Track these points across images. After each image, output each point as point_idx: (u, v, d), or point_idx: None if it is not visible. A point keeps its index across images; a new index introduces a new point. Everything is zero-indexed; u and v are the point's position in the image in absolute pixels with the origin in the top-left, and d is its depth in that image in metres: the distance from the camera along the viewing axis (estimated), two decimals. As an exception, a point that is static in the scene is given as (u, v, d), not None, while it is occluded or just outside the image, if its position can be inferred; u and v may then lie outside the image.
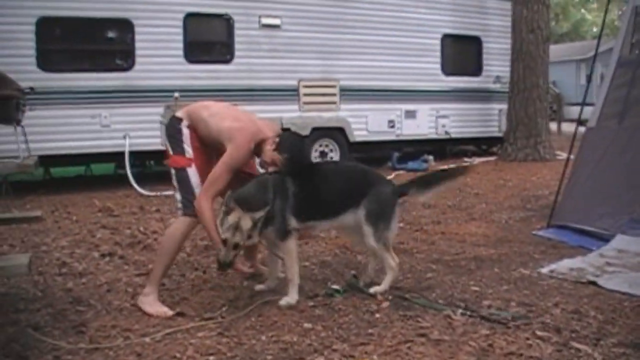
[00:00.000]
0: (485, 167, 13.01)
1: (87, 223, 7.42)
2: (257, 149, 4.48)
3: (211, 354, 3.49)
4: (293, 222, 4.35)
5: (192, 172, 4.42)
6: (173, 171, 4.50)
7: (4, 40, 9.52)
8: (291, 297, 4.33)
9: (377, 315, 4.07)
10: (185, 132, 4.47)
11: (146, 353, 3.54)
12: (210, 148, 4.50)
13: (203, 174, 4.39)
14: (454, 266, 5.31)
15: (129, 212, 8.14)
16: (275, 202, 4.25)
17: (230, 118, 4.49)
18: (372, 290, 4.51)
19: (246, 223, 4.07)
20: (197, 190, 4.37)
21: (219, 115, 4.50)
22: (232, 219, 4.07)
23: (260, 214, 4.10)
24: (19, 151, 4.32)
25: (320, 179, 4.48)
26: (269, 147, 4.43)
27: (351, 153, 12.79)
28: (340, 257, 5.66)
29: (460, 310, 4.08)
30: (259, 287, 4.68)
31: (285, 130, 4.62)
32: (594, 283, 4.70)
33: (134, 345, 3.65)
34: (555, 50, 24.60)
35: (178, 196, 4.48)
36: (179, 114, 4.60)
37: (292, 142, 4.56)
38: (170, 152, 4.52)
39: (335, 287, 4.56)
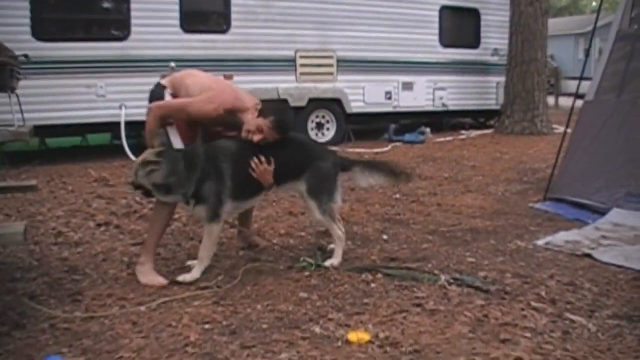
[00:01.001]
0: (482, 140, 13.03)
1: (83, 193, 7.41)
2: (236, 119, 4.42)
3: (207, 323, 3.50)
4: (228, 206, 4.33)
5: (172, 130, 4.39)
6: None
7: (-1, 9, 9.45)
8: (192, 275, 4.27)
9: (373, 286, 4.09)
10: (168, 97, 4.43)
11: (142, 322, 3.55)
12: (190, 122, 4.45)
13: (185, 134, 4.37)
14: (450, 237, 5.33)
15: (125, 183, 8.10)
16: (207, 181, 4.19)
17: (214, 84, 4.47)
18: (327, 263, 4.50)
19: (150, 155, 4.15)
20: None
21: (201, 82, 4.47)
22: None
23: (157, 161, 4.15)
24: (14, 120, 4.28)
25: (259, 153, 4.34)
26: (251, 116, 4.37)
27: (348, 124, 12.79)
28: (336, 228, 5.67)
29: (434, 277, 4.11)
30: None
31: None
32: (589, 256, 4.72)
33: (130, 314, 3.67)
34: (554, 24, 24.53)
35: None
36: (163, 81, 4.55)
37: (275, 107, 4.52)
38: None
39: (309, 260, 4.54)
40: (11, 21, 9.43)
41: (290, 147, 4.53)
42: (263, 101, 4.49)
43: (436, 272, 4.32)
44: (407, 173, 4.96)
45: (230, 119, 4.39)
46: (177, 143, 4.36)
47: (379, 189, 7.43)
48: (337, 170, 4.63)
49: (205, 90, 4.34)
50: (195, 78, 4.52)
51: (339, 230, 4.65)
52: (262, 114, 4.34)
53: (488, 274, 4.27)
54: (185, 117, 4.32)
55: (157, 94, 4.47)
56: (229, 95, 4.38)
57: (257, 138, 4.34)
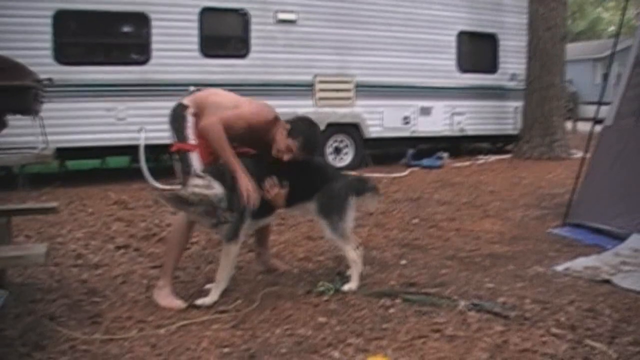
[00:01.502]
0: (500, 164, 12.99)
1: (102, 215, 7.46)
2: (266, 137, 4.43)
3: (225, 346, 3.51)
4: (247, 225, 4.36)
5: (195, 157, 4.36)
6: (176, 157, 4.47)
7: (22, 33, 9.57)
8: (210, 298, 4.28)
9: (392, 311, 4.08)
10: (190, 119, 4.41)
11: (161, 344, 3.56)
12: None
13: (207, 161, 4.34)
14: (469, 263, 5.31)
15: (144, 205, 8.17)
16: (233, 199, 4.17)
17: (240, 100, 4.51)
18: (345, 287, 4.50)
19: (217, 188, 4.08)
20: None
21: (228, 99, 4.52)
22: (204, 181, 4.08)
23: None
24: (38, 142, 4.34)
25: (274, 172, 4.38)
26: (280, 135, 4.38)
27: (366, 149, 12.80)
28: (354, 253, 5.67)
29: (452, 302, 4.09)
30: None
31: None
32: (608, 282, 4.68)
33: (149, 337, 3.68)
34: (572, 49, 24.47)
35: (182, 185, 4.44)
36: (185, 101, 4.53)
37: (304, 125, 4.50)
38: (175, 139, 4.46)
39: (327, 284, 4.52)
40: (34, 45, 9.56)
41: (304, 167, 4.56)
42: (290, 121, 4.49)
43: (455, 297, 4.31)
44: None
45: (255, 135, 4.41)
46: (198, 167, 4.36)
47: (396, 214, 7.44)
48: (349, 192, 4.63)
49: (234, 107, 4.37)
50: (219, 97, 4.55)
51: (353, 252, 4.65)
52: (291, 133, 4.36)
53: (507, 300, 4.25)
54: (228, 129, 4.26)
55: (178, 113, 4.48)
56: (256, 110, 4.40)
57: (286, 157, 4.36)
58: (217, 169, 4.21)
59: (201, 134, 4.31)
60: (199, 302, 4.24)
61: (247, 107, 4.42)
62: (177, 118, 4.47)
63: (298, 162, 4.47)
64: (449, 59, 13.79)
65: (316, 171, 4.68)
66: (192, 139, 4.39)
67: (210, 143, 4.27)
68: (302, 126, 4.47)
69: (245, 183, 4.18)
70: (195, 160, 4.37)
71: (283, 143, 4.36)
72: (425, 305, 4.13)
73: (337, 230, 4.55)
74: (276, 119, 4.47)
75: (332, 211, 4.55)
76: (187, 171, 4.37)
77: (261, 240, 5.08)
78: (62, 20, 10.09)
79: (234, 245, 4.33)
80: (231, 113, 4.29)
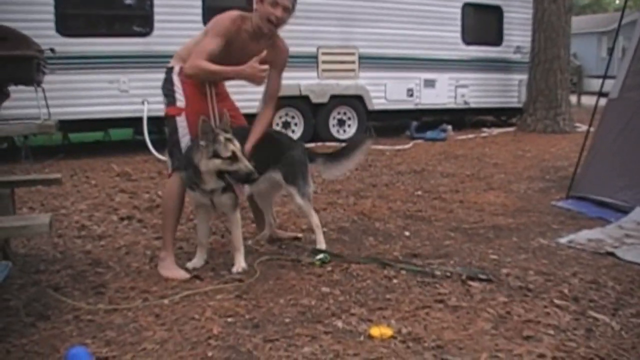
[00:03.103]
0: (504, 137, 12.97)
1: (105, 187, 7.47)
2: (248, 34, 4.39)
3: (229, 316, 3.51)
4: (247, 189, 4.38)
5: (180, 121, 4.33)
6: (165, 123, 4.48)
7: (24, 5, 9.50)
8: (239, 265, 4.33)
9: (395, 281, 4.08)
10: (176, 79, 4.39)
11: (164, 314, 3.57)
12: (206, 84, 4.40)
13: (195, 122, 4.15)
14: (472, 234, 5.31)
15: (147, 177, 8.19)
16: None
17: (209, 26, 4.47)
18: (317, 258, 4.51)
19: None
20: (184, 140, 4.31)
21: (200, 33, 4.52)
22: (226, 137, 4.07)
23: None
24: (40, 113, 4.33)
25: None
26: (257, 6, 4.34)
27: (369, 121, 12.78)
28: (358, 224, 5.67)
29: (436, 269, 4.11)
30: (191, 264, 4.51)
31: None
32: (612, 254, 4.68)
33: (153, 307, 3.68)
34: (577, 22, 24.33)
35: (167, 152, 4.47)
36: (170, 64, 4.53)
37: None
38: (165, 106, 4.47)
39: (319, 256, 4.54)
40: (36, 17, 9.49)
41: (265, 138, 4.56)
42: None
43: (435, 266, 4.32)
44: (367, 134, 5.04)
45: (237, 41, 4.35)
46: (183, 132, 4.34)
47: (400, 185, 7.44)
48: (307, 157, 4.78)
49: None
50: (192, 38, 4.56)
51: (315, 218, 4.80)
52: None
53: (510, 271, 4.25)
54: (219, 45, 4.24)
55: (165, 80, 4.49)
56: (215, 20, 4.39)
57: (280, 14, 4.30)
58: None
59: (189, 79, 4.29)
60: (234, 270, 4.29)
61: (210, 26, 4.38)
62: (165, 84, 4.49)
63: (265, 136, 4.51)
64: (454, 31, 13.72)
65: (276, 141, 4.74)
66: (180, 100, 4.37)
67: (204, 80, 4.31)
68: None
69: (245, 67, 4.17)
70: (181, 125, 4.34)
71: (264, 9, 4.30)
72: (427, 276, 4.14)
73: (305, 195, 4.69)
74: (243, 16, 4.42)
75: (297, 177, 4.66)
76: (172, 137, 4.38)
77: (265, 208, 5.08)
78: (65, -8, 10.03)
79: (238, 212, 4.39)
80: (201, 44, 4.23)
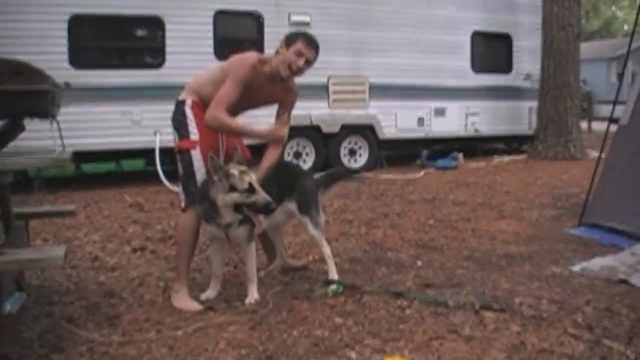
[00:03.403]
0: (515, 165, 12.96)
1: (118, 218, 7.51)
2: (265, 78, 4.42)
3: (242, 347, 3.52)
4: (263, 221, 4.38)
5: (196, 154, 4.34)
6: (178, 157, 4.47)
7: (38, 38, 9.61)
8: (252, 296, 4.35)
9: (408, 312, 4.08)
10: (189, 112, 4.40)
11: (178, 346, 3.58)
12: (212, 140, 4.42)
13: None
14: (485, 263, 5.30)
15: (159, 208, 8.22)
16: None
17: (225, 65, 4.47)
18: (329, 289, 4.52)
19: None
20: (199, 173, 4.32)
21: (214, 69, 4.56)
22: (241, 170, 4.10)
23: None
24: (55, 146, 4.36)
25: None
26: (280, 57, 4.36)
27: (380, 150, 12.80)
28: (370, 254, 5.67)
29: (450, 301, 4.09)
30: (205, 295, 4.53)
31: None
32: (625, 281, 4.66)
33: (166, 338, 3.69)
34: (586, 48, 24.37)
35: (180, 186, 4.47)
36: (180, 97, 4.54)
37: (294, 31, 4.59)
38: (177, 139, 4.48)
39: (332, 287, 4.54)
40: (49, 49, 9.59)
41: (279, 169, 4.61)
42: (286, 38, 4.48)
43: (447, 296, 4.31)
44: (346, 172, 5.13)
45: (255, 85, 4.38)
46: (198, 165, 4.36)
47: (412, 215, 7.44)
48: (316, 188, 4.85)
49: (221, 74, 4.39)
50: (204, 73, 4.61)
51: (327, 249, 4.80)
52: (287, 42, 4.37)
53: (523, 300, 4.24)
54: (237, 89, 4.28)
55: (176, 111, 4.50)
56: (237, 66, 4.35)
57: (301, 63, 4.35)
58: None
59: (209, 128, 4.33)
60: (247, 301, 4.31)
61: (229, 68, 4.36)
62: (176, 117, 4.50)
63: (277, 166, 4.56)
64: (463, 60, 13.75)
65: (289, 172, 4.80)
66: (193, 133, 4.38)
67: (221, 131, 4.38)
68: (294, 32, 4.54)
69: (266, 130, 4.37)
70: (197, 159, 4.35)
71: (288, 56, 4.34)
72: (441, 306, 4.13)
73: (318, 225, 4.71)
74: (261, 59, 4.45)
75: (311, 207, 4.68)
76: (187, 170, 4.39)
77: (275, 239, 5.09)
78: (78, 25, 10.15)
79: (253, 244, 4.44)
80: (222, 93, 4.25)
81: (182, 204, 4.45)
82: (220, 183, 4.03)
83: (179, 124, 4.46)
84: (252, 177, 4.09)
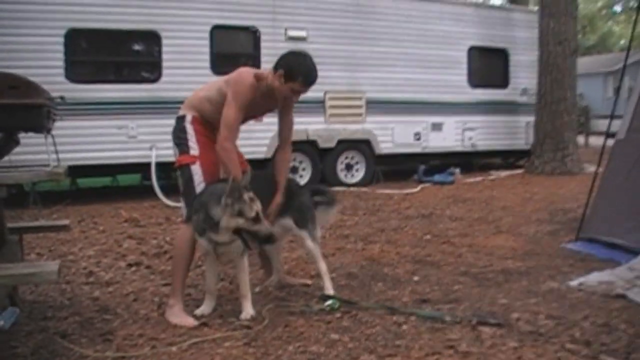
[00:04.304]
0: (512, 180, 12.97)
1: (113, 233, 7.49)
2: (262, 92, 4.45)
3: (238, 364, 3.50)
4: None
5: (196, 169, 4.39)
6: (179, 173, 4.51)
7: (34, 52, 9.64)
8: (247, 312, 4.32)
9: (404, 327, 4.06)
10: (189, 128, 4.46)
11: (173, 362, 3.56)
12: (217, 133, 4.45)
13: (209, 170, 4.39)
14: (482, 279, 5.28)
15: (155, 223, 8.20)
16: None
17: (222, 85, 4.49)
18: (326, 304, 4.49)
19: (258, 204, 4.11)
20: (199, 188, 4.33)
21: (213, 87, 4.56)
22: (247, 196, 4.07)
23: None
24: (49, 160, 4.36)
25: (258, 189, 4.30)
26: (277, 83, 4.39)
27: (377, 165, 12.80)
28: (366, 269, 5.66)
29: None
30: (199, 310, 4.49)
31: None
32: (623, 296, 4.65)
33: (161, 354, 3.67)
34: (583, 63, 24.46)
35: (181, 202, 4.51)
36: (180, 112, 4.59)
37: (296, 63, 4.47)
38: (177, 155, 4.52)
39: (329, 302, 4.52)
40: (46, 63, 9.63)
41: (275, 184, 4.65)
42: (281, 64, 4.46)
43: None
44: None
45: (254, 101, 4.41)
46: (199, 180, 4.38)
47: (408, 230, 7.43)
48: (313, 203, 4.86)
49: (218, 94, 4.43)
50: (203, 91, 4.64)
51: (324, 264, 4.80)
52: (288, 77, 4.38)
53: (521, 315, 4.22)
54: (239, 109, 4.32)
55: (177, 127, 4.54)
56: (238, 87, 4.36)
57: (296, 99, 4.52)
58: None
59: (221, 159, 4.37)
60: (243, 316, 4.28)
61: (231, 91, 4.34)
62: (176, 132, 4.54)
63: (269, 180, 4.65)
64: (460, 75, 13.82)
65: (286, 187, 4.74)
66: (193, 149, 4.43)
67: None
68: (295, 65, 4.44)
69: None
70: (197, 174, 4.39)
71: (284, 90, 4.41)
72: (437, 321, 4.11)
73: (315, 239, 4.72)
74: (257, 75, 4.45)
75: (307, 221, 4.70)
76: (187, 186, 4.42)
77: (272, 254, 5.09)
78: (74, 39, 10.18)
79: (246, 258, 4.40)
80: (228, 120, 4.27)
81: (184, 218, 4.49)
82: (229, 206, 4.01)
83: (179, 139, 4.50)
84: (259, 206, 4.08)
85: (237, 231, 4.08)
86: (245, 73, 4.45)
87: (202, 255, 4.83)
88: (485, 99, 14.12)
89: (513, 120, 14.59)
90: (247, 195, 4.03)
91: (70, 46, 10.08)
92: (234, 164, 4.26)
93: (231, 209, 4.01)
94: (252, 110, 4.50)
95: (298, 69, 4.41)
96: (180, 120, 4.53)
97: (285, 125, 4.76)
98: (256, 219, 4.04)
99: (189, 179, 4.40)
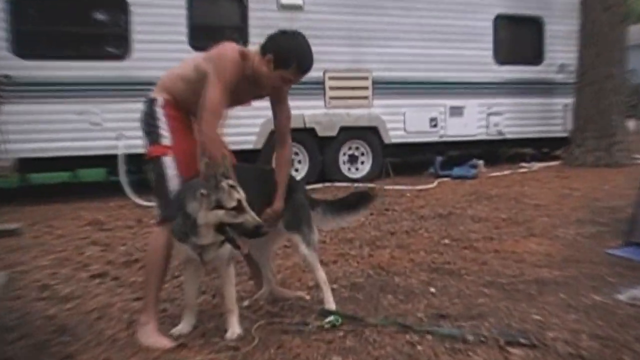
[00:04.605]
0: (547, 173, 12.97)
1: (73, 238, 7.49)
2: (254, 78, 4.44)
3: (222, 393, 3.50)
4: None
5: (169, 162, 4.34)
6: (149, 165, 4.45)
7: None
8: (233, 330, 4.30)
9: (419, 348, 4.05)
10: (160, 113, 4.42)
11: (144, 391, 3.56)
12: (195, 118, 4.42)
13: (185, 162, 4.32)
14: (511, 290, 5.27)
15: (124, 226, 8.20)
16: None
17: (200, 63, 4.43)
18: (326, 321, 4.47)
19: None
20: (172, 184, 4.29)
21: (188, 66, 4.54)
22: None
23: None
24: (-5, 151, 4.36)
25: (244, 186, 4.23)
26: (265, 69, 4.36)
27: (386, 157, 12.78)
28: (374, 279, 5.65)
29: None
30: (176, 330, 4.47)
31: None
32: (682, 313, 4.65)
33: (130, 383, 3.67)
34: (635, 33, 24.37)
35: (154, 200, 4.47)
36: (151, 95, 4.54)
37: (288, 45, 4.46)
38: (147, 145, 4.46)
39: (330, 318, 4.51)
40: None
41: (265, 178, 4.68)
42: (269, 45, 4.44)
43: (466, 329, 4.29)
44: (371, 191, 5.08)
45: (239, 83, 4.36)
46: (172, 174, 4.34)
47: (423, 232, 7.43)
48: (308, 201, 4.85)
49: (195, 72, 4.40)
50: (177, 69, 4.62)
51: (322, 272, 4.79)
52: (278, 63, 4.37)
53: (558, 335, 4.22)
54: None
55: (147, 112, 4.49)
56: (222, 67, 4.29)
57: (287, 88, 4.55)
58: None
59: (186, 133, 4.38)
60: (228, 335, 4.26)
61: (213, 68, 4.27)
62: (145, 118, 4.50)
63: (258, 173, 4.73)
64: (484, 49, 13.80)
65: (275, 180, 4.70)
66: (165, 137, 4.39)
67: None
68: (287, 49, 4.42)
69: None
70: (170, 167, 4.34)
71: (274, 79, 4.40)
72: (458, 341, 4.11)
73: (311, 244, 4.69)
74: (242, 53, 4.41)
75: (302, 223, 4.68)
76: (159, 181, 4.37)
77: (262, 262, 5.08)
78: (22, 6, 10.14)
79: (232, 267, 4.38)
80: (212, 102, 4.18)
81: (157, 220, 4.45)
82: (207, 198, 3.95)
83: (149, 127, 4.47)
84: (242, 194, 4.02)
85: (221, 228, 4.02)
86: (229, 48, 4.41)
87: (181, 265, 4.80)
88: (514, 77, 14.10)
89: (548, 103, 14.59)
90: (225, 183, 3.98)
91: (17, 14, 10.03)
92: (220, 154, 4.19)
93: (207, 201, 3.95)
94: (237, 95, 4.45)
95: (290, 54, 4.38)
96: (150, 104, 4.49)
97: (281, 116, 4.74)
98: (239, 209, 3.97)
99: (161, 174, 4.35)
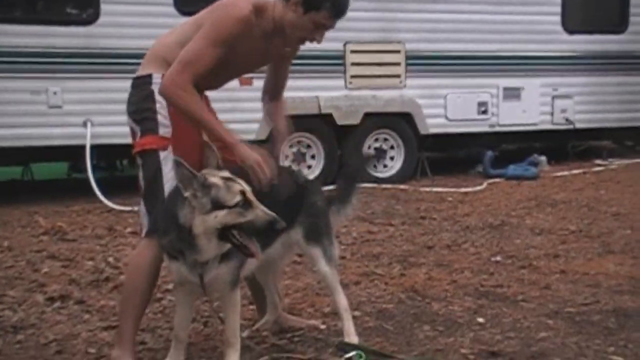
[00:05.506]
0: (630, 173, 12.93)
1: (26, 251, 7.49)
2: (275, 32, 4.42)
3: None
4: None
5: (166, 157, 4.22)
6: (139, 161, 4.35)
7: None
8: None
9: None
10: (158, 95, 4.24)
11: None
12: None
13: (188, 157, 3.99)
14: (582, 322, 5.28)
15: (91, 235, 8.21)
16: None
17: (203, 16, 4.40)
18: (346, 357, 4.47)
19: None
20: (169, 185, 4.16)
21: (188, 26, 4.44)
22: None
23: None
24: None
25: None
26: (291, 15, 4.31)
27: (422, 151, 12.76)
28: (406, 305, 5.67)
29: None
30: None
31: None
32: None
33: None
34: None
35: (142, 206, 4.37)
36: (140, 71, 4.44)
37: None
38: (138, 134, 4.36)
39: (351, 354, 4.50)
40: None
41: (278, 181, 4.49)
42: None
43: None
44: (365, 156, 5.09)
45: (243, 46, 4.33)
46: (169, 174, 4.22)
47: (469, 248, 7.44)
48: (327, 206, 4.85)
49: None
50: (176, 30, 4.54)
51: (343, 297, 4.77)
52: (307, 3, 4.32)
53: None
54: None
55: (139, 93, 4.39)
56: (219, 18, 4.27)
57: (320, 38, 4.47)
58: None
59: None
60: None
61: (209, 20, 4.27)
62: (136, 101, 4.41)
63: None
64: (549, 14, 13.69)
65: (290, 183, 4.64)
66: (164, 125, 4.28)
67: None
68: None
69: (249, 154, 4.14)
70: (167, 164, 4.21)
71: (303, 25, 4.35)
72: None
73: (332, 260, 4.70)
74: (258, 5, 4.33)
75: (322, 234, 4.68)
76: (153, 181, 4.28)
77: (267, 283, 5.09)
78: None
79: (237, 291, 4.28)
80: (192, 50, 4.15)
81: (144, 231, 4.36)
82: (196, 200, 3.80)
83: (142, 112, 4.34)
84: (243, 184, 3.89)
85: (224, 235, 3.87)
86: (239, 1, 4.32)
87: (174, 287, 4.77)
88: (588, 50, 14.01)
89: (633, 83, 14.46)
90: (217, 177, 3.86)
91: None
92: (197, 109, 4.11)
93: (199, 203, 3.81)
94: (242, 62, 4.45)
95: None
96: (143, 82, 4.38)
97: (280, 75, 4.81)
98: (245, 204, 3.81)
99: (156, 172, 4.26)
